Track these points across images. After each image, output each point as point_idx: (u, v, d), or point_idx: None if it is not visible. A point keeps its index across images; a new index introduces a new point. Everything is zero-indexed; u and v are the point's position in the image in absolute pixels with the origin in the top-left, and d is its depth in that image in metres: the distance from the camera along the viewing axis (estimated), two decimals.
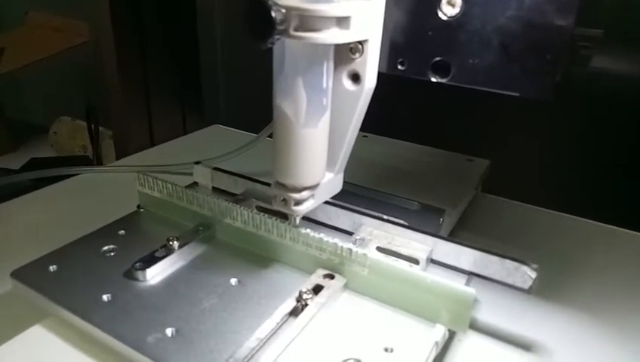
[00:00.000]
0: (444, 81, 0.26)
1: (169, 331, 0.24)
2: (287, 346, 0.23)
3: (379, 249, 0.30)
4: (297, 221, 0.28)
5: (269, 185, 0.35)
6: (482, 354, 0.27)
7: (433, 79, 0.26)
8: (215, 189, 0.38)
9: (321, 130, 0.25)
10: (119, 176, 0.47)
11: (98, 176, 0.48)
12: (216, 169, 0.37)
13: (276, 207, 0.27)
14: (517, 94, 0.25)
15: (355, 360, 0.23)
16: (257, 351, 0.22)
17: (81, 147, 0.82)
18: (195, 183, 0.39)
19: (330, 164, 0.27)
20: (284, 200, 0.26)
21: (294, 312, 0.25)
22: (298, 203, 0.26)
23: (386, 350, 0.23)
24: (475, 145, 0.49)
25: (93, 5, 0.58)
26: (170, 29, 0.63)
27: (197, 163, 0.38)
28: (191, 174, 0.39)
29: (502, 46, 0.24)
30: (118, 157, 0.61)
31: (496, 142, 0.59)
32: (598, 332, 0.29)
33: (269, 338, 0.23)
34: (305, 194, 0.26)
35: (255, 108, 0.79)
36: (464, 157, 0.47)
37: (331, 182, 0.27)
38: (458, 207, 0.38)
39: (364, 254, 0.26)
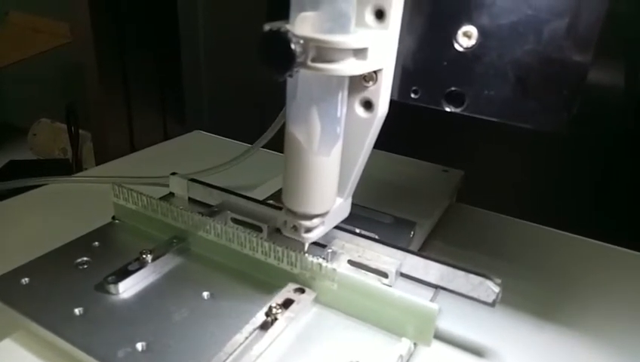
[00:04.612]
0: (458, 110, 0.26)
1: (139, 345, 0.24)
2: (256, 360, 0.23)
3: (350, 262, 0.31)
4: (306, 247, 0.28)
5: (244, 197, 0.36)
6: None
7: (447, 109, 0.26)
8: (191, 200, 0.38)
9: (333, 158, 0.25)
10: (96, 184, 0.47)
11: (74, 184, 0.48)
12: (192, 180, 0.38)
13: (286, 233, 0.27)
14: (531, 127, 0.25)
15: None
16: None
17: (61, 150, 0.82)
18: (172, 194, 0.39)
19: (340, 190, 0.27)
20: (294, 227, 0.26)
21: (264, 326, 0.25)
22: (308, 230, 0.26)
23: None
24: (450, 155, 0.50)
25: (73, 6, 0.58)
26: (151, 33, 0.63)
27: (173, 174, 0.38)
28: (168, 185, 0.39)
29: (518, 79, 0.24)
30: (97, 162, 0.61)
31: (472, 153, 0.60)
32: (561, 341, 0.30)
33: (238, 352, 0.24)
34: (315, 221, 0.26)
35: (237, 115, 0.79)
36: (439, 167, 0.48)
37: (341, 207, 0.27)
38: (431, 219, 0.39)
39: (334, 269, 0.27)
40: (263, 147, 0.43)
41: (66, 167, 0.76)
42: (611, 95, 0.52)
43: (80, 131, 0.77)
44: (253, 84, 0.70)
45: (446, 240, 0.40)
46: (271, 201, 0.36)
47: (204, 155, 0.54)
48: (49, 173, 0.48)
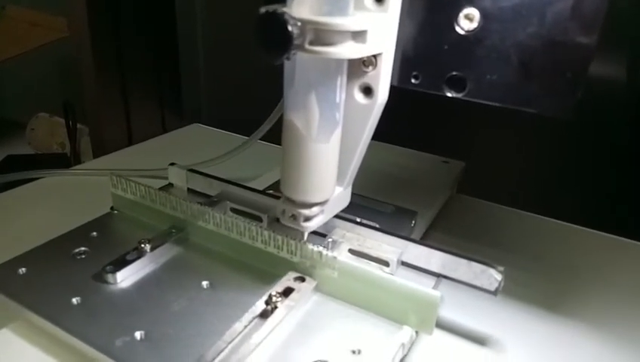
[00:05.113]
0: (459, 96, 0.25)
1: (138, 334, 0.24)
2: (255, 349, 0.23)
3: (351, 251, 0.30)
4: (305, 236, 0.27)
5: (243, 187, 0.35)
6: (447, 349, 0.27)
7: (448, 94, 0.26)
8: (191, 191, 0.38)
9: (332, 145, 0.24)
10: (93, 177, 0.47)
11: (71, 177, 0.47)
12: (191, 170, 0.37)
13: (284, 222, 0.26)
14: (535, 112, 0.24)
15: None
16: (225, 353, 0.23)
17: (60, 144, 0.82)
18: (171, 184, 0.38)
19: (339, 178, 0.26)
20: (293, 215, 0.26)
21: (264, 315, 0.25)
22: (307, 219, 0.25)
23: (353, 352, 0.24)
24: (451, 146, 0.50)
25: (70, 0, 0.58)
26: (148, 26, 0.62)
27: (172, 164, 0.38)
28: (167, 177, 0.39)
29: (521, 63, 0.23)
30: (95, 156, 0.60)
31: (473, 144, 0.60)
32: (562, 331, 0.30)
33: (238, 340, 0.23)
34: (315, 210, 0.25)
35: (236, 108, 0.79)
36: (440, 158, 0.47)
37: (340, 196, 0.27)
38: (431, 209, 0.39)
39: (334, 257, 0.26)
40: (261, 139, 0.43)
41: (64, 161, 0.76)
42: (614, 86, 0.51)
43: (78, 125, 0.76)
44: (251, 77, 0.69)
45: (447, 232, 0.40)
46: (271, 191, 0.35)
47: (203, 148, 0.53)
48: (47, 167, 0.47)
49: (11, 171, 0.47)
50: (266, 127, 0.41)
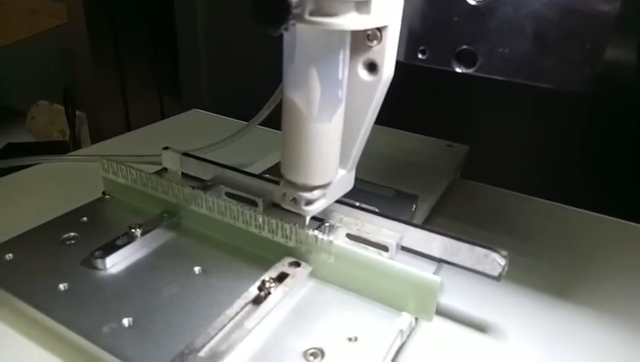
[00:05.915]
0: (469, 71, 0.24)
1: (125, 321, 0.23)
2: (247, 336, 0.22)
3: (349, 236, 0.29)
4: (307, 221, 0.26)
5: (238, 171, 0.34)
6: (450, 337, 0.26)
7: (458, 69, 0.24)
8: (185, 176, 0.37)
9: (335, 124, 0.23)
10: (89, 163, 0.46)
11: (68, 164, 0.46)
12: (185, 154, 0.36)
13: (285, 205, 0.25)
14: (552, 87, 0.23)
15: (317, 349, 0.22)
16: (215, 341, 0.22)
17: (60, 132, 0.81)
18: (165, 169, 0.37)
19: (342, 160, 0.25)
20: (294, 199, 0.24)
21: (256, 301, 0.24)
22: (309, 202, 0.24)
23: (349, 339, 0.23)
24: (455, 130, 0.49)
25: None
26: (146, 10, 0.61)
27: (165, 148, 0.37)
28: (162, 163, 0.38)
29: (536, 34, 0.22)
30: (93, 142, 0.59)
31: (478, 127, 0.58)
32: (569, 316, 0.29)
33: (229, 327, 0.22)
34: (316, 193, 0.24)
35: (236, 93, 0.78)
36: (443, 142, 0.46)
37: (343, 179, 0.26)
38: (434, 194, 0.38)
39: (330, 241, 0.25)
40: (261, 124, 0.42)
41: (64, 149, 0.75)
42: (625, 70, 0.50)
43: (78, 113, 0.76)
44: (252, 62, 0.68)
45: (449, 217, 0.38)
46: (267, 175, 0.34)
47: (202, 134, 0.52)
48: (46, 155, 0.46)
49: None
50: (265, 112, 0.40)
